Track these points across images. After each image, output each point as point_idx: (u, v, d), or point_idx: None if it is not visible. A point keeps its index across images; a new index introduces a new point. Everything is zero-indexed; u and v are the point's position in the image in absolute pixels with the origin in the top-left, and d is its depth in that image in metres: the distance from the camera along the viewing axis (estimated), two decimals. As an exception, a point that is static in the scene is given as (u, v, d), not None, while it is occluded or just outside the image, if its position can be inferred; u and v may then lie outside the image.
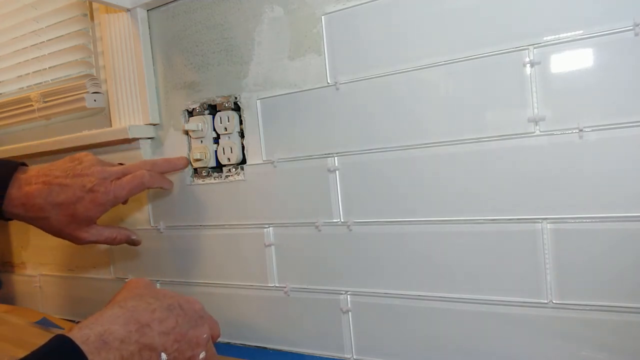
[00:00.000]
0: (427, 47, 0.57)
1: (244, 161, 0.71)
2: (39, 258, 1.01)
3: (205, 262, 0.76)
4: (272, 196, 0.69)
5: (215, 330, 0.52)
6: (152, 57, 0.79)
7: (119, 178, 0.65)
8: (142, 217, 0.83)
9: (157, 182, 0.69)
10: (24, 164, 0.66)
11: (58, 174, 0.63)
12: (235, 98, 0.71)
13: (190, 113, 0.76)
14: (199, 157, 0.73)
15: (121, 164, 0.70)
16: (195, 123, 0.73)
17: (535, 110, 0.52)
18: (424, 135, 0.58)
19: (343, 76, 0.62)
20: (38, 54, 0.93)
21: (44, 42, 0.92)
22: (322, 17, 0.63)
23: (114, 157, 0.78)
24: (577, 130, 0.50)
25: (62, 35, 0.90)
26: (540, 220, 0.52)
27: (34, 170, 0.65)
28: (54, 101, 0.89)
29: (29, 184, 0.62)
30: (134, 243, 0.73)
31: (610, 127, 0.48)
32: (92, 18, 0.87)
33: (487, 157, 0.54)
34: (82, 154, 0.67)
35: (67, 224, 0.64)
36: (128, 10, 0.77)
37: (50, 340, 0.39)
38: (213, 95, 0.73)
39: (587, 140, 0.50)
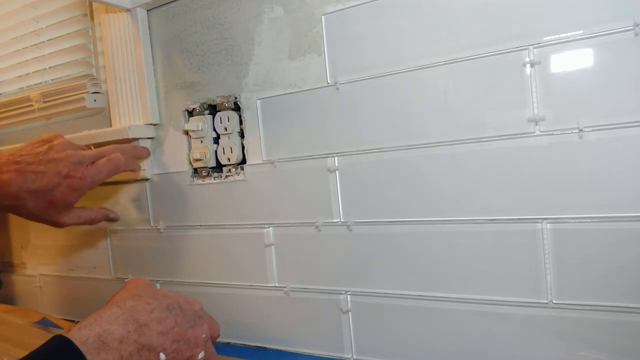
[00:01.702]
0: (427, 47, 0.57)
1: (244, 161, 0.71)
2: (39, 258, 1.01)
3: (205, 262, 0.76)
4: (272, 196, 0.69)
5: (214, 330, 0.52)
6: (152, 57, 0.79)
7: (93, 162, 0.66)
8: (142, 217, 0.83)
9: (130, 165, 0.72)
10: None
11: (30, 160, 0.62)
12: (235, 98, 0.71)
13: (190, 113, 0.76)
14: (199, 157, 0.73)
15: (89, 147, 0.71)
16: (195, 123, 0.73)
17: (535, 110, 0.52)
18: (424, 136, 0.58)
19: (343, 76, 0.62)
20: (38, 54, 0.93)
21: (44, 42, 0.92)
22: (322, 17, 0.63)
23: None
24: (577, 130, 0.50)
25: (62, 35, 0.90)
26: (540, 220, 0.52)
27: (3, 156, 0.64)
28: (54, 101, 0.89)
29: (0, 172, 0.62)
30: (112, 220, 0.76)
31: (610, 127, 0.48)
32: (92, 18, 0.87)
33: (487, 157, 0.54)
34: (51, 134, 0.66)
35: (45, 209, 0.64)
36: (128, 10, 0.77)
37: (49, 341, 0.39)
38: (213, 95, 0.73)
39: (587, 140, 0.49)
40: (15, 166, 0.62)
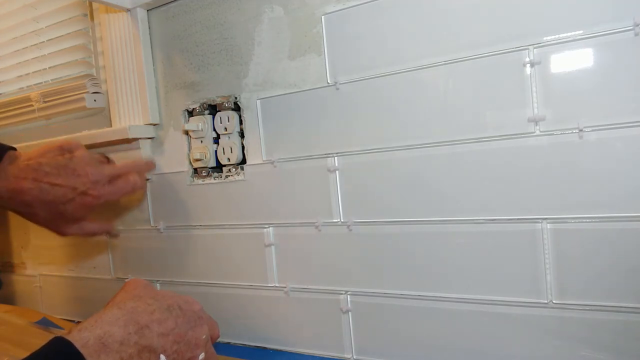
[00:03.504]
0: (427, 47, 0.57)
1: (244, 161, 0.71)
2: (39, 258, 1.01)
3: (205, 262, 0.76)
4: (272, 196, 0.69)
5: (214, 331, 0.51)
6: (152, 57, 0.79)
7: (110, 181, 0.66)
8: (142, 217, 0.83)
9: (144, 185, 0.75)
10: (12, 148, 0.65)
11: (48, 170, 0.62)
12: (235, 98, 0.71)
13: (190, 113, 0.76)
14: (199, 157, 0.73)
15: (106, 156, 0.71)
16: (195, 123, 0.73)
17: (535, 110, 0.51)
18: (424, 135, 0.58)
19: (343, 76, 0.62)
20: (38, 54, 0.93)
21: (44, 42, 0.92)
22: (322, 17, 0.63)
23: (113, 157, 0.78)
24: (577, 130, 0.50)
25: (62, 35, 0.90)
26: (540, 220, 0.52)
27: (22, 160, 0.63)
28: (54, 101, 0.89)
29: (17, 177, 0.62)
30: (113, 236, 0.80)
31: (610, 127, 0.48)
32: (92, 18, 0.87)
33: (487, 157, 0.54)
34: (73, 144, 0.66)
35: (54, 220, 0.65)
36: (128, 10, 0.77)
37: (49, 343, 0.39)
38: (213, 95, 0.73)
39: (587, 140, 0.49)
40: (33, 174, 0.62)
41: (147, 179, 0.80)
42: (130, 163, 0.72)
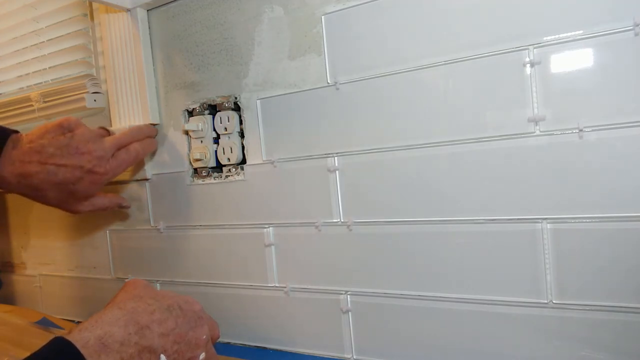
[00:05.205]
0: (427, 47, 0.57)
1: (244, 161, 0.71)
2: (39, 258, 1.01)
3: (205, 262, 0.76)
4: (272, 196, 0.69)
5: (214, 331, 0.52)
6: (152, 57, 0.79)
7: (113, 154, 0.67)
8: (142, 217, 0.83)
9: (148, 150, 0.74)
10: (15, 132, 0.65)
11: (52, 151, 0.62)
12: (235, 98, 0.71)
13: (190, 113, 0.76)
14: (199, 157, 0.73)
15: (104, 128, 0.71)
16: (195, 123, 0.73)
17: (535, 110, 0.52)
18: (424, 135, 0.58)
19: (343, 76, 0.62)
20: (38, 54, 0.93)
21: (44, 42, 0.92)
22: (322, 17, 0.63)
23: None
24: (577, 130, 0.50)
25: (62, 35, 0.90)
26: (540, 220, 0.52)
27: (24, 143, 0.63)
28: (54, 101, 0.89)
29: (22, 161, 0.62)
30: (124, 207, 0.80)
31: (610, 127, 0.48)
32: (92, 18, 0.87)
33: (487, 157, 0.54)
34: (71, 121, 0.65)
35: (65, 200, 0.66)
36: (128, 10, 0.77)
37: (50, 343, 0.39)
38: (213, 95, 0.73)
39: (587, 140, 0.49)
40: (37, 157, 0.62)
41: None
42: (129, 132, 0.71)
